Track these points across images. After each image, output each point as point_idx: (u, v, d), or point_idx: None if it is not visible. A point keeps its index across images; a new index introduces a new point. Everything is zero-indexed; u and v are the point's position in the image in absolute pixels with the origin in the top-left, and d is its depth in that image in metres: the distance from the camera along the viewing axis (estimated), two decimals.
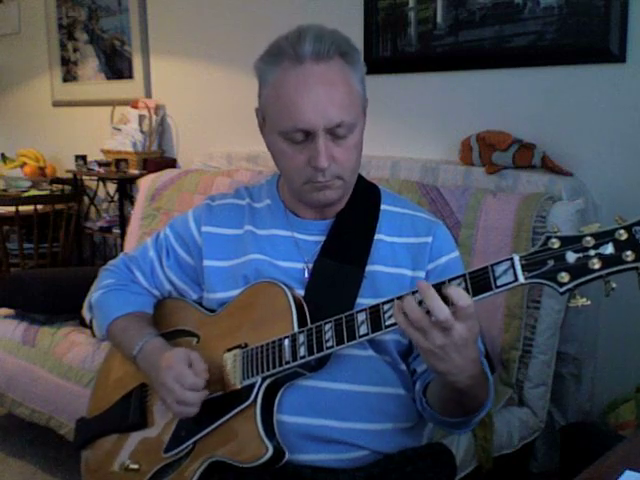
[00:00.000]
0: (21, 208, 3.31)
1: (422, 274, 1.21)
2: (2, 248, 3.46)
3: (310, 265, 1.22)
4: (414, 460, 1.19)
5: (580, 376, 2.09)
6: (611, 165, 2.09)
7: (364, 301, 1.17)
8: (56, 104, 4.14)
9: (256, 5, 2.99)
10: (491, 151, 2.17)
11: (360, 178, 1.27)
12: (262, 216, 1.29)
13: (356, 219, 1.24)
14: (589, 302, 0.88)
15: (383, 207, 1.27)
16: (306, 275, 1.21)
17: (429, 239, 1.23)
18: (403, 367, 1.23)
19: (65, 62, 4.04)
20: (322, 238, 1.24)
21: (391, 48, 2.53)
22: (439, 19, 2.38)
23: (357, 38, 2.51)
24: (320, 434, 1.16)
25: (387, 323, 1.01)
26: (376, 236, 1.23)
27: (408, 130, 2.56)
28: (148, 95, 3.55)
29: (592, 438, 1.85)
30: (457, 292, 0.92)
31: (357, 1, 2.59)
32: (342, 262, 1.20)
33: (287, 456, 1.11)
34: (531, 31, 2.18)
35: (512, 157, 2.14)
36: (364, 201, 1.26)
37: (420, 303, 0.95)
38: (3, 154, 4.18)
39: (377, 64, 2.51)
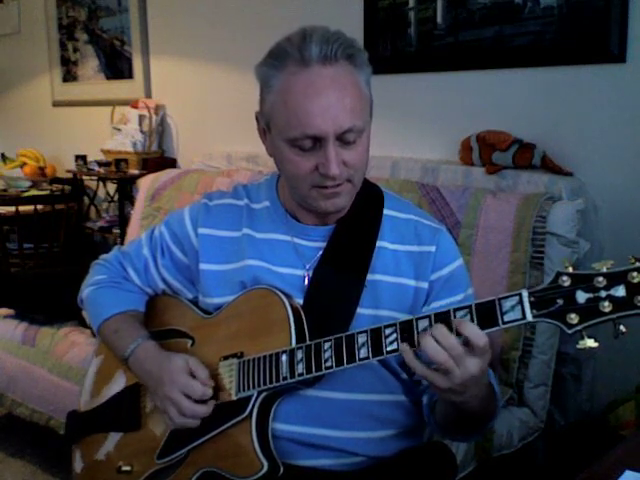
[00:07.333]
0: (21, 208, 3.31)
1: (425, 285, 1.18)
2: (2, 248, 3.46)
3: (310, 272, 1.18)
4: (414, 460, 1.18)
5: (580, 376, 2.09)
6: (611, 165, 2.08)
7: (364, 311, 1.15)
8: (56, 104, 4.14)
9: (256, 5, 2.99)
10: (491, 151, 2.16)
11: (363, 180, 1.21)
12: (261, 219, 1.24)
13: (358, 225, 1.20)
14: (597, 344, 0.87)
15: (386, 212, 1.22)
16: (306, 282, 1.18)
17: (432, 248, 1.18)
18: (404, 376, 1.21)
19: (65, 62, 4.04)
20: (323, 244, 1.19)
21: (391, 48, 2.52)
22: (439, 19, 2.38)
23: (357, 38, 2.45)
24: (318, 442, 1.14)
25: (388, 349, 0.99)
26: (378, 243, 1.19)
27: (408, 130, 2.56)
28: (148, 95, 3.55)
29: (592, 438, 1.85)
30: (473, 330, 0.91)
31: (357, 1, 2.59)
32: (343, 270, 1.16)
33: (282, 471, 1.09)
34: (531, 31, 2.17)
35: (512, 157, 2.13)
36: (366, 206, 1.22)
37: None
38: (3, 154, 4.18)
39: (377, 64, 2.45)
